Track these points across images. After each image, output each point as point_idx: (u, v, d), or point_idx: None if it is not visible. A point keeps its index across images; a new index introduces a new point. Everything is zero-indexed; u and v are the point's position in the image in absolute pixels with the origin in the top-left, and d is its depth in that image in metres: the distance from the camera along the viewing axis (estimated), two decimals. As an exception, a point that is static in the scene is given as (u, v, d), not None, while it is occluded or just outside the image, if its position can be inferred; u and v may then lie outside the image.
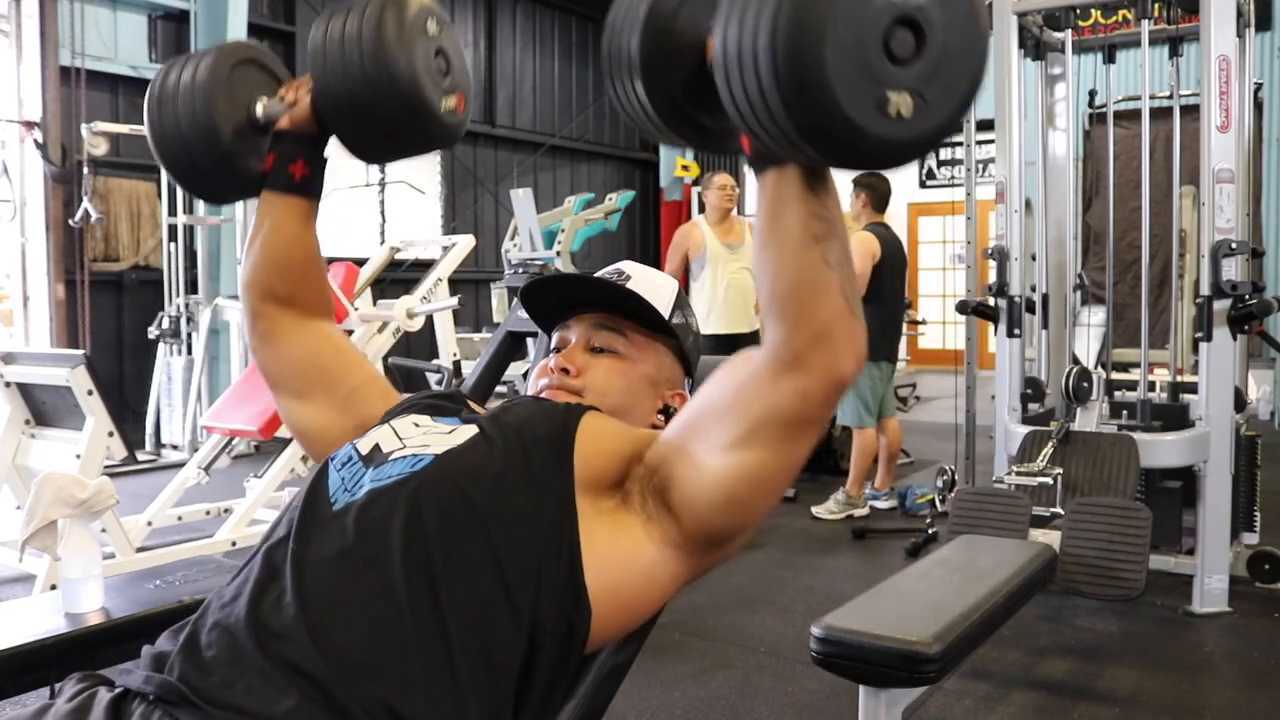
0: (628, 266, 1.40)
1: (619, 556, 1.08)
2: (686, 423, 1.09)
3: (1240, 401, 3.69)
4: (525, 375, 5.83)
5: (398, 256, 5.62)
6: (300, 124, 1.33)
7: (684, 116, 1.05)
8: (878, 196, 4.97)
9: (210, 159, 1.35)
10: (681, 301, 1.41)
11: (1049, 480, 3.40)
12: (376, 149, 1.40)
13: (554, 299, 1.41)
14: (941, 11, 0.85)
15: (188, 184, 1.43)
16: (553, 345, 1.39)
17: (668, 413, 1.36)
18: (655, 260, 10.93)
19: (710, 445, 1.04)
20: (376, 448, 1.16)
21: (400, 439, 1.16)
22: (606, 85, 1.09)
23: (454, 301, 5.27)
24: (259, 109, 1.37)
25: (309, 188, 1.36)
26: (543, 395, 1.32)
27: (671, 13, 1.03)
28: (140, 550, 3.94)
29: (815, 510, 4.97)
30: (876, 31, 0.83)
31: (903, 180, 11.87)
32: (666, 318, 1.36)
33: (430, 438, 1.15)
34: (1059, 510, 3.33)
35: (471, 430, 1.16)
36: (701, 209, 5.94)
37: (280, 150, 1.35)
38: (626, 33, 1.03)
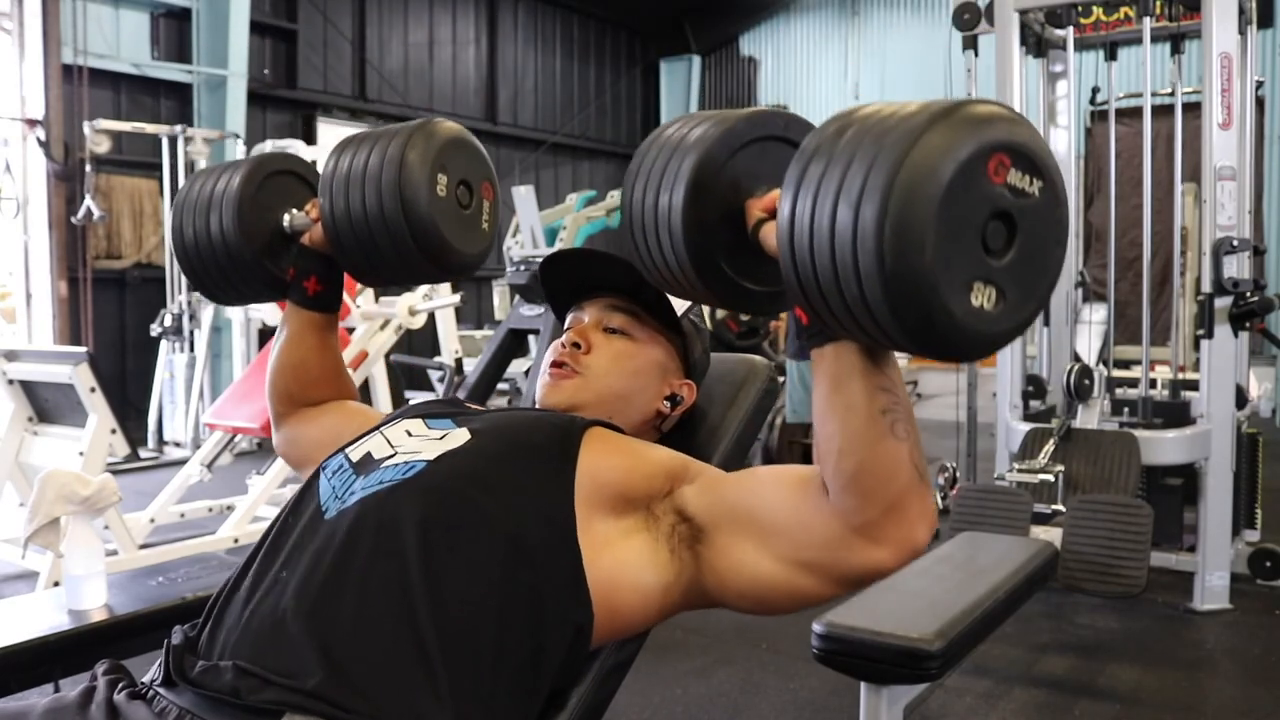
0: None
1: (623, 571, 1.07)
2: (742, 504, 1.06)
3: (1241, 399, 3.69)
4: (527, 373, 5.83)
5: (400, 254, 5.61)
6: (316, 242, 1.37)
7: (726, 281, 1.02)
8: None
9: (233, 270, 1.40)
10: (695, 311, 1.41)
11: (1050, 477, 3.40)
12: (389, 280, 1.43)
13: (571, 278, 1.41)
14: (1035, 207, 0.82)
15: (205, 290, 1.47)
16: (566, 325, 1.39)
17: (674, 400, 1.35)
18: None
19: (765, 550, 1.03)
20: (368, 455, 1.15)
21: (392, 446, 1.16)
22: (631, 240, 1.04)
23: (456, 299, 5.27)
24: (287, 221, 1.42)
25: (322, 303, 1.41)
26: (551, 374, 1.31)
27: (715, 172, 0.98)
28: (143, 547, 3.95)
29: None
30: (979, 220, 0.79)
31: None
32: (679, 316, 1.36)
33: (423, 443, 1.15)
34: (1060, 507, 3.33)
35: (464, 434, 1.15)
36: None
37: (299, 265, 1.39)
38: (667, 189, 0.98)
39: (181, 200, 1.43)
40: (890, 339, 0.83)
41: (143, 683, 1.04)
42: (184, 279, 6.91)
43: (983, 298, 0.80)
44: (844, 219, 0.78)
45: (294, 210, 1.42)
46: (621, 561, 1.07)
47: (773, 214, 0.96)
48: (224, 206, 1.38)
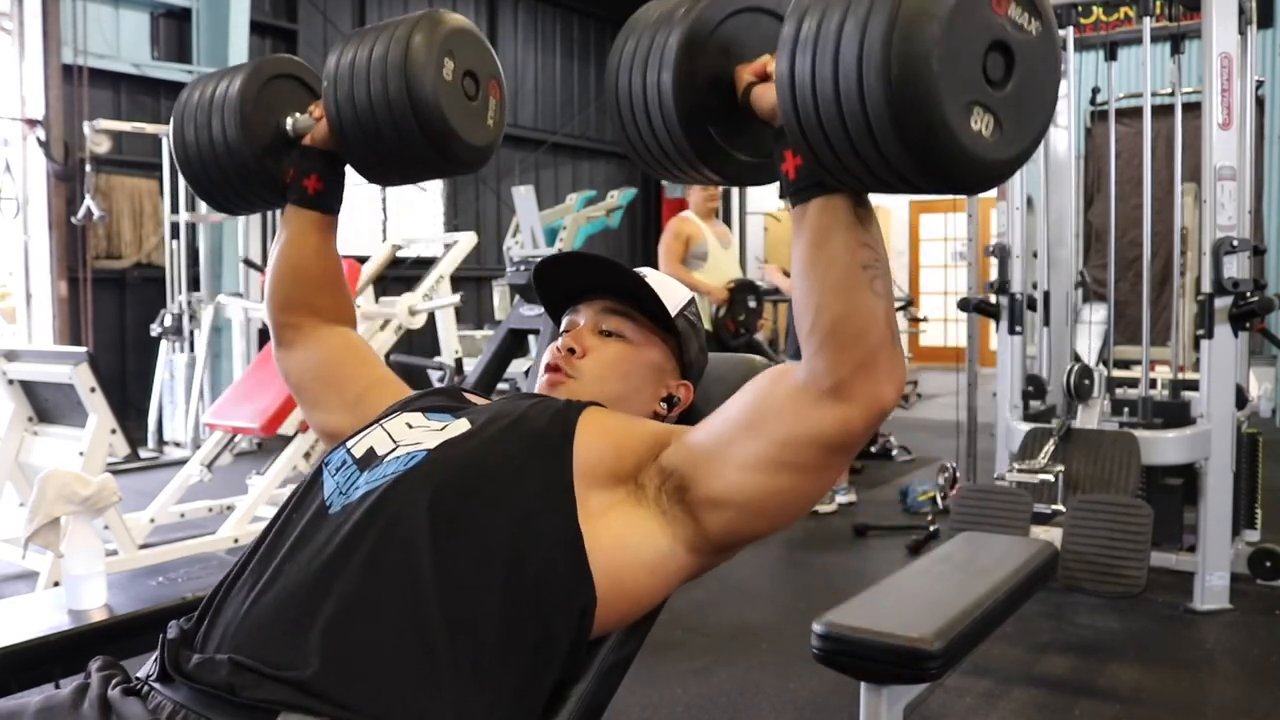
0: (643, 270, 1.40)
1: (623, 546, 1.08)
2: (715, 433, 1.08)
3: (1241, 399, 3.69)
4: (527, 373, 5.85)
5: (399, 254, 5.63)
6: (319, 140, 1.36)
7: (715, 149, 1.03)
8: None
9: (235, 173, 1.38)
10: (692, 309, 1.41)
11: (1050, 477, 3.40)
12: (393, 174, 1.40)
13: (565, 281, 1.41)
14: (1033, 45, 0.87)
15: (211, 199, 1.45)
16: (561, 329, 1.40)
17: (671, 401, 1.36)
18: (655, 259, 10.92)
19: (743, 461, 1.04)
20: (371, 451, 1.16)
21: (393, 440, 1.16)
22: (619, 123, 1.05)
23: (456, 299, 5.28)
24: (289, 123, 1.40)
25: (323, 202, 1.40)
26: (547, 378, 1.32)
27: (703, 41, 1.00)
28: (143, 547, 3.95)
29: None
30: (980, 46, 0.84)
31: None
32: (673, 316, 1.36)
33: (423, 435, 1.16)
34: (1060, 507, 3.33)
35: (464, 424, 1.16)
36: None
37: (299, 165, 1.38)
38: (655, 63, 1.00)
39: (182, 105, 1.41)
40: (890, 163, 0.85)
41: (137, 678, 1.04)
42: (184, 279, 6.97)
43: (982, 124, 0.85)
44: (850, 34, 0.83)
45: (296, 114, 1.41)
46: (621, 538, 1.08)
47: (763, 78, 0.99)
48: (225, 110, 1.36)
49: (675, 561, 1.10)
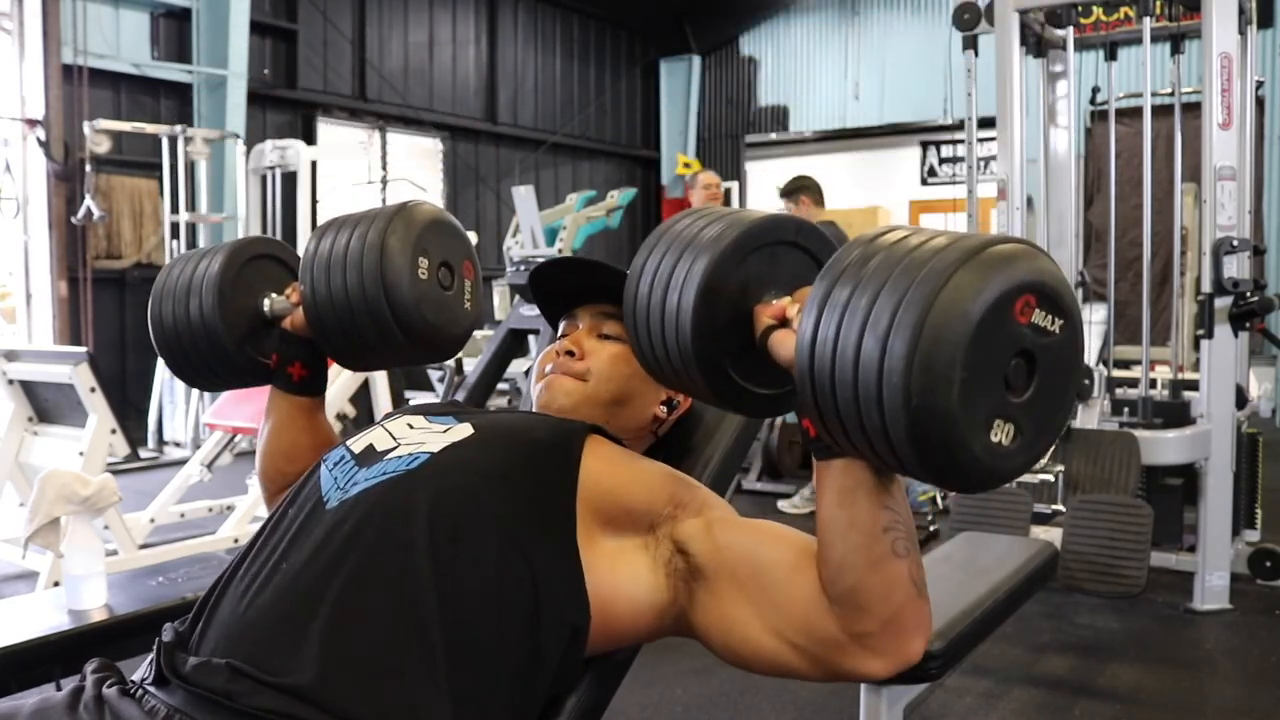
0: None
1: (618, 582, 1.07)
2: (746, 565, 1.04)
3: (1241, 399, 3.69)
4: (527, 373, 5.84)
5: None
6: (297, 326, 1.36)
7: (730, 384, 1.01)
8: (817, 194, 4.98)
9: (212, 352, 1.38)
10: None
11: (1050, 477, 3.41)
12: (372, 365, 1.43)
13: (562, 285, 1.41)
14: (1056, 345, 0.83)
15: (185, 376, 1.45)
16: (559, 333, 1.39)
17: (670, 405, 1.36)
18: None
19: (760, 619, 1.02)
20: (370, 447, 1.15)
21: (394, 439, 1.16)
22: (633, 334, 1.03)
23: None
24: (267, 305, 1.40)
25: (307, 388, 1.39)
26: (547, 380, 1.31)
27: (726, 275, 0.97)
28: (143, 547, 3.95)
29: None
30: (1003, 359, 0.80)
31: (905, 178, 11.90)
32: None
33: (426, 436, 1.15)
34: (1060, 507, 3.34)
35: (468, 429, 1.15)
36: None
37: (282, 351, 1.38)
38: (676, 289, 0.98)
39: (161, 285, 1.42)
40: (905, 469, 0.84)
41: (133, 681, 1.04)
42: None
43: (1002, 434, 0.82)
44: (870, 350, 0.79)
45: (273, 295, 1.41)
46: (619, 574, 1.07)
47: (782, 322, 0.97)
48: (204, 292, 1.37)
49: (661, 621, 1.08)
